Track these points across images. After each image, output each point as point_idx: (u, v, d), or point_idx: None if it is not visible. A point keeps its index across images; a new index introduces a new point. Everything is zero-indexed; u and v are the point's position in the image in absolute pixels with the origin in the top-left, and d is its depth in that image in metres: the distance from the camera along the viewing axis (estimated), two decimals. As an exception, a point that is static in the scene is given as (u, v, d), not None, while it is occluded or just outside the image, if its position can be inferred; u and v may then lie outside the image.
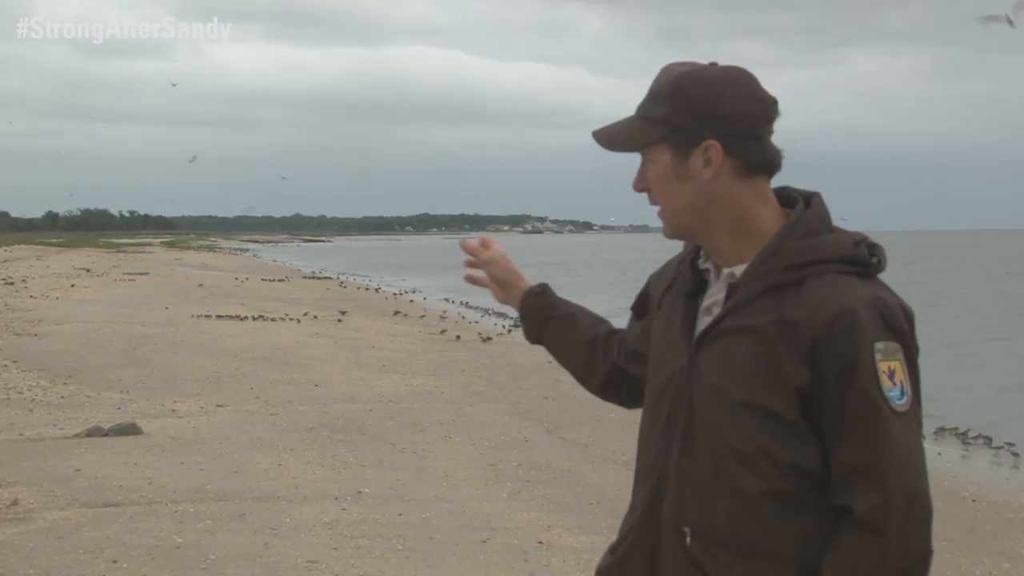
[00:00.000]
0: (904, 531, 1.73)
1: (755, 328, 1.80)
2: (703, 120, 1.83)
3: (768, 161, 1.86)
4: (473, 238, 2.38)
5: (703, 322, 1.89)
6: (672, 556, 1.84)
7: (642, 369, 2.06)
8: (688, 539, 1.82)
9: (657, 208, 1.91)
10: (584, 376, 2.24)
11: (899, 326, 1.77)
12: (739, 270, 1.86)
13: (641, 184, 1.91)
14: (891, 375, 1.75)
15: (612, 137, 1.92)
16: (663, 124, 1.85)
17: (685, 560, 1.82)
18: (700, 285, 1.93)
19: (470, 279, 2.36)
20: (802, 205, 1.87)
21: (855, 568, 1.73)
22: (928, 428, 12.16)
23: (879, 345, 1.74)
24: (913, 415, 1.78)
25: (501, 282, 2.30)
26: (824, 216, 1.87)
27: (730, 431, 1.80)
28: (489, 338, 18.05)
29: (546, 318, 2.25)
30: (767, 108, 1.86)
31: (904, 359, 1.77)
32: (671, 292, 1.99)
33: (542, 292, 2.27)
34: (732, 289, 1.85)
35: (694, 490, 1.83)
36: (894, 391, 1.75)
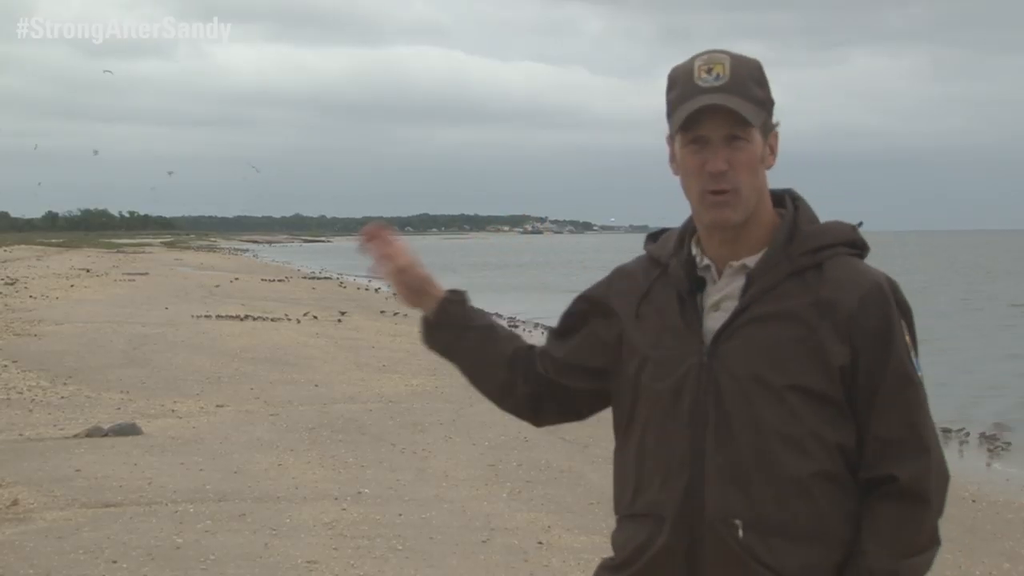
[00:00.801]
0: (940, 496, 1.85)
1: (790, 312, 1.83)
2: (772, 106, 1.92)
3: None
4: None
5: (713, 317, 1.89)
6: (721, 552, 1.82)
7: (583, 382, 2.05)
8: (740, 532, 1.81)
9: (724, 194, 1.85)
10: (501, 391, 2.13)
11: (906, 304, 1.88)
12: (751, 261, 1.88)
13: (725, 164, 1.84)
14: (910, 348, 1.86)
15: (746, 112, 1.84)
16: (764, 107, 1.89)
17: (741, 552, 1.81)
18: (696, 284, 1.94)
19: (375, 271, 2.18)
20: (790, 199, 1.95)
21: (899, 535, 1.80)
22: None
23: (902, 320, 1.85)
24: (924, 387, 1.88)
25: (415, 289, 2.15)
26: (811, 208, 1.96)
27: (775, 417, 1.82)
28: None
29: (463, 327, 2.13)
30: None
31: (910, 333, 1.87)
32: (651, 300, 1.97)
33: (461, 300, 2.15)
34: (750, 279, 1.88)
35: (737, 482, 1.83)
36: (916, 362, 1.86)
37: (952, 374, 17.41)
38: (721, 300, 1.90)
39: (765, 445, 1.81)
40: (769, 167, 1.90)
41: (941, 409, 12.89)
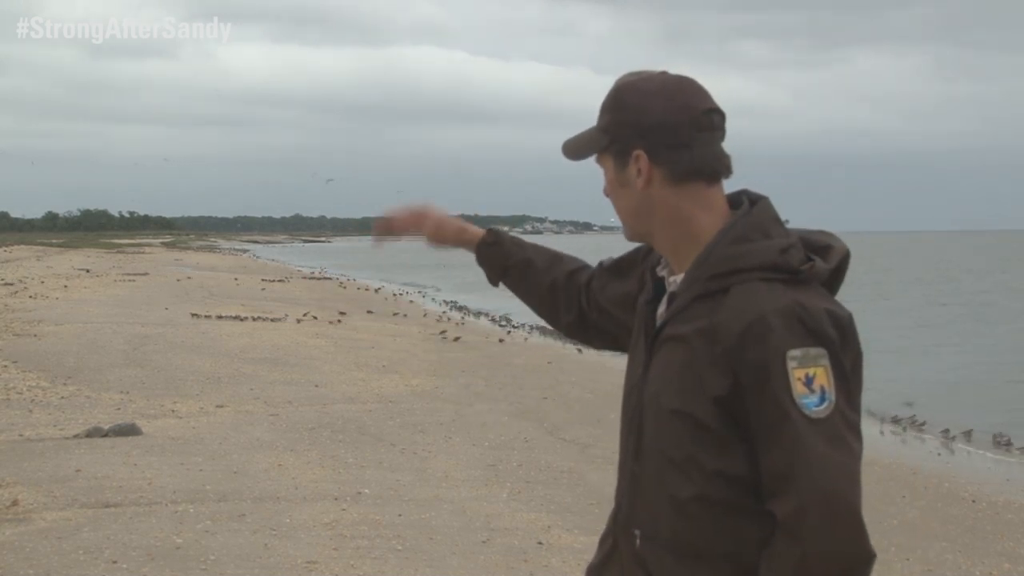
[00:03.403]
0: (821, 536, 1.72)
1: (684, 337, 1.83)
2: (632, 130, 1.89)
3: (699, 169, 1.87)
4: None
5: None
6: (627, 557, 1.90)
7: (610, 326, 2.18)
8: (637, 541, 1.87)
9: None
10: (549, 317, 2.32)
11: (822, 331, 1.76)
12: (679, 278, 1.89)
13: (607, 188, 1.98)
14: (808, 382, 1.74)
15: (570, 147, 2.00)
16: (605, 134, 1.92)
17: (635, 561, 1.88)
18: (659, 292, 1.97)
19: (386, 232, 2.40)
20: (745, 209, 1.88)
21: (781, 568, 1.75)
22: (930, 430, 12.17)
23: (794, 352, 1.74)
24: (839, 420, 1.75)
25: (454, 242, 2.36)
26: (763, 221, 1.86)
27: (665, 438, 1.85)
28: (502, 340, 18.01)
29: (503, 267, 2.31)
30: (696, 116, 1.87)
31: (830, 364, 1.75)
32: (640, 299, 2.02)
33: (496, 241, 2.32)
34: (671, 298, 1.89)
35: (642, 494, 1.89)
36: (810, 398, 1.74)
37: (957, 376, 17.42)
38: (663, 313, 1.93)
39: (658, 463, 1.86)
40: (640, 190, 1.88)
41: (942, 411, 12.91)
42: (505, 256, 2.31)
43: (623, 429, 1.97)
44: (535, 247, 2.33)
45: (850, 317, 1.81)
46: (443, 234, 2.34)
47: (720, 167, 1.89)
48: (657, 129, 1.86)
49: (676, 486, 1.83)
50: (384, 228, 2.38)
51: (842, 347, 1.77)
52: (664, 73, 1.91)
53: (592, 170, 1.99)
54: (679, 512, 1.83)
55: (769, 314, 1.75)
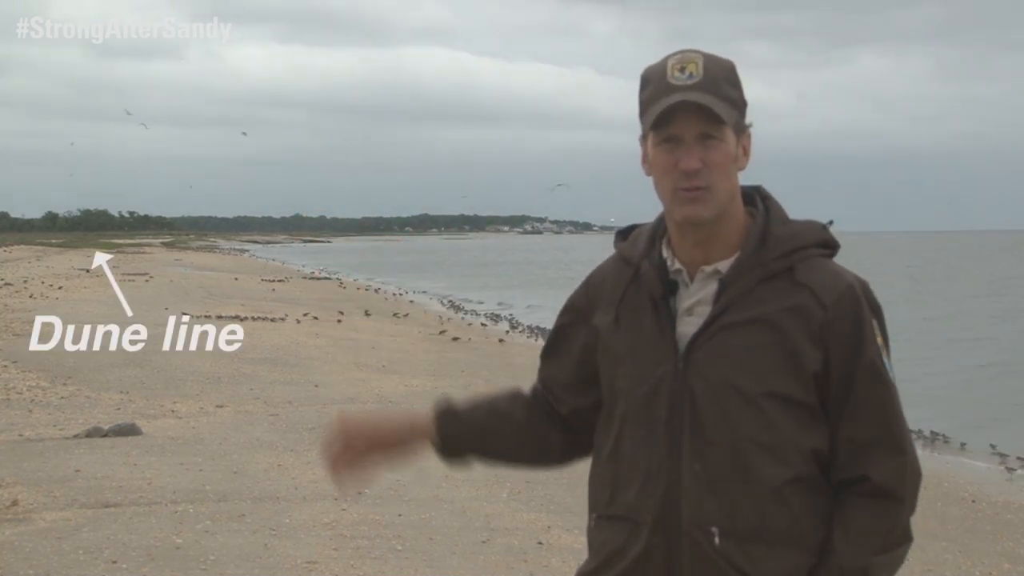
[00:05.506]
0: (913, 495, 1.82)
1: (764, 318, 1.82)
2: (745, 109, 1.89)
3: None
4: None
5: (687, 322, 1.87)
6: (699, 559, 1.81)
7: (589, 407, 2.01)
8: (717, 539, 1.80)
9: (697, 191, 1.82)
10: (538, 454, 2.08)
11: (877, 304, 1.86)
12: (723, 265, 1.86)
13: (699, 163, 1.81)
14: (882, 349, 1.84)
15: (719, 109, 1.82)
16: (736, 106, 1.87)
17: (717, 559, 1.80)
18: (669, 287, 1.90)
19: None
20: (760, 198, 1.92)
21: (871, 535, 1.79)
22: (929, 430, 12.16)
23: (873, 321, 1.84)
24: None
25: (402, 441, 2.07)
26: (781, 206, 1.93)
27: (751, 425, 1.80)
28: (502, 340, 18.01)
29: (468, 432, 2.06)
30: None
31: (881, 335, 1.86)
32: (627, 303, 1.93)
33: (449, 407, 2.06)
34: (723, 285, 1.85)
35: (713, 490, 1.81)
36: (888, 363, 1.84)
37: (954, 375, 17.41)
38: (694, 305, 1.87)
39: (740, 453, 1.81)
40: (741, 168, 1.88)
41: (942, 411, 12.91)
42: (469, 418, 2.05)
43: (655, 429, 1.86)
44: (483, 398, 2.09)
45: None
46: (386, 445, 2.06)
47: None
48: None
49: (767, 472, 1.80)
50: (341, 465, 2.05)
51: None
52: None
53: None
54: (772, 499, 1.80)
55: (854, 284, 1.84)
